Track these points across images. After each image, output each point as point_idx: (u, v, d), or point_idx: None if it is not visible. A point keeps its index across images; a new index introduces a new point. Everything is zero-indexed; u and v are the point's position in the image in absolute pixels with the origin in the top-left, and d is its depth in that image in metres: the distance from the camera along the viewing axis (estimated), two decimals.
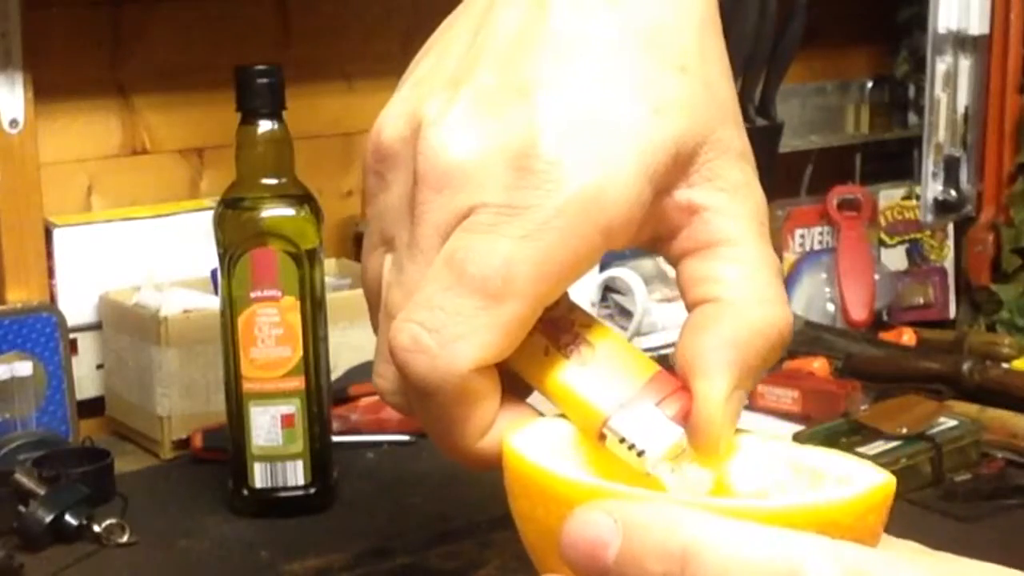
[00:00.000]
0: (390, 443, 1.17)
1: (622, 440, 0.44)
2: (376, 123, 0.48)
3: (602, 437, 0.45)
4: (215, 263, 1.01)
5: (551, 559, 0.41)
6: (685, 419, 0.45)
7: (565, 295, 0.48)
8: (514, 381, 0.47)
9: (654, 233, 0.48)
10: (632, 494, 0.40)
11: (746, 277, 0.46)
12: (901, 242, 1.59)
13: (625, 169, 0.44)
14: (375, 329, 0.49)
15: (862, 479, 0.42)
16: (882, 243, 1.58)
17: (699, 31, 0.47)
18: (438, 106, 0.46)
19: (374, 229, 0.49)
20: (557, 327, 0.47)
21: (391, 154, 0.47)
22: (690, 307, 0.47)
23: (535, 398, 0.49)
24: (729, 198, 0.47)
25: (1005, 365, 1.25)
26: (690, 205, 0.47)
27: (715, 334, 0.45)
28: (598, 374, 0.46)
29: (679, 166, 0.46)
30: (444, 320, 0.44)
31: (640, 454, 0.44)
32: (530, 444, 0.44)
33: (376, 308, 0.49)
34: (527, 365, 0.47)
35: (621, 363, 0.46)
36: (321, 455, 1.02)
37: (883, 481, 0.41)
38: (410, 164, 0.46)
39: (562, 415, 0.47)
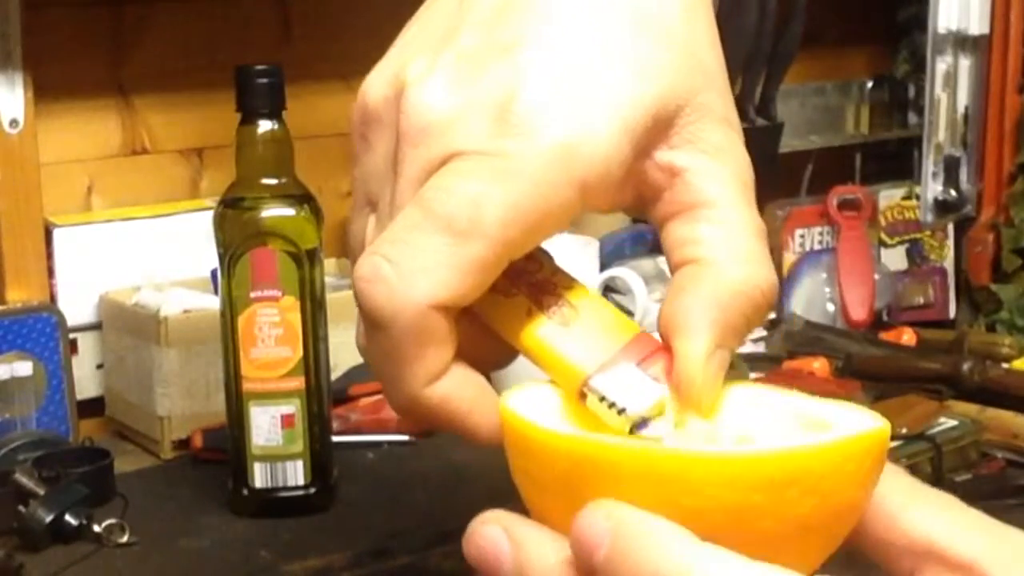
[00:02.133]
0: (390, 443, 1.17)
1: (602, 398, 0.44)
2: (361, 87, 0.49)
3: (582, 396, 0.45)
4: (215, 263, 1.01)
5: (550, 515, 0.42)
6: (667, 379, 0.45)
7: (549, 258, 0.48)
8: (496, 345, 0.48)
9: (638, 195, 0.48)
10: (610, 443, 0.40)
11: (727, 238, 0.46)
12: (901, 242, 1.59)
13: (604, 125, 0.45)
14: None
15: (849, 425, 0.42)
16: (882, 243, 1.58)
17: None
18: (421, 67, 0.47)
19: (359, 191, 0.50)
20: (540, 289, 0.47)
21: (375, 116, 0.48)
22: (674, 270, 0.47)
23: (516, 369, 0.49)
24: (710, 160, 0.47)
25: (1005, 365, 1.25)
26: (671, 167, 0.47)
27: (695, 294, 0.46)
28: (580, 335, 0.46)
29: (659, 127, 0.46)
30: (407, 253, 0.44)
31: (620, 412, 0.44)
32: (526, 402, 0.44)
33: None
34: (509, 326, 0.47)
35: (603, 324, 0.46)
36: (321, 455, 1.02)
37: (867, 429, 0.41)
38: (393, 125, 0.47)
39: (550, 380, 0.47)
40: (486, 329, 0.47)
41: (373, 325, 0.45)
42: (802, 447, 0.40)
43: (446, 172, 0.45)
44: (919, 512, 0.43)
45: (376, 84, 0.48)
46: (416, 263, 0.44)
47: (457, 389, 0.46)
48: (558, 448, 0.41)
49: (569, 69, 0.45)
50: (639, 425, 0.44)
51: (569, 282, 0.48)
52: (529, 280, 0.47)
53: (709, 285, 0.46)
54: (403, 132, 0.46)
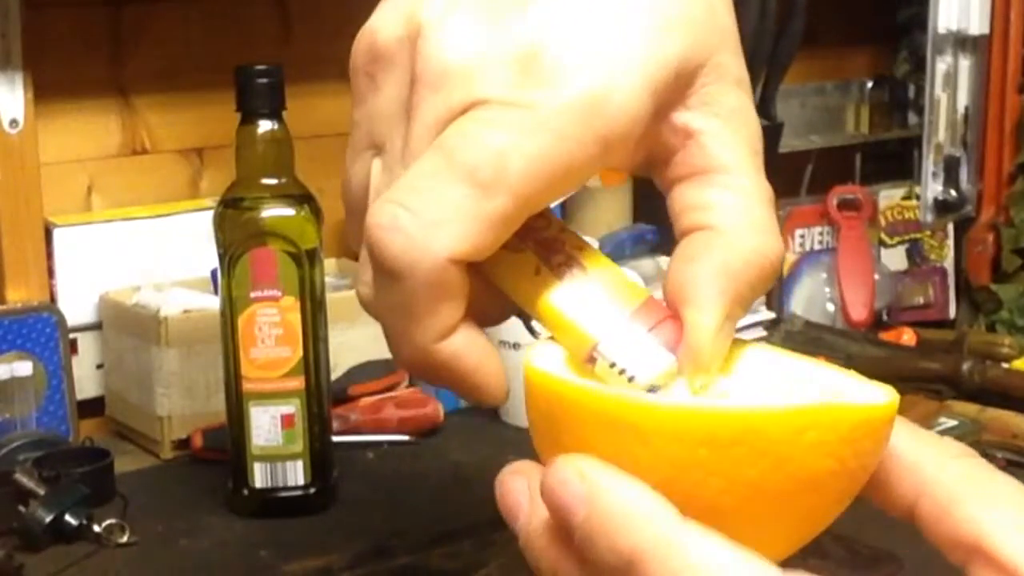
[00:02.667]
0: (390, 443, 1.17)
1: (612, 364, 0.44)
2: (368, 24, 0.47)
3: (591, 360, 0.44)
4: (215, 263, 1.01)
5: (544, 460, 0.41)
6: (674, 347, 0.44)
7: (556, 216, 0.47)
8: (496, 300, 0.47)
9: (649, 155, 0.47)
10: (575, 384, 0.41)
11: (738, 205, 0.46)
12: (901, 242, 1.59)
13: (629, 80, 0.44)
14: (355, 238, 0.48)
15: (853, 396, 0.41)
16: (882, 243, 1.58)
17: None
18: (439, 7, 0.45)
19: (362, 132, 0.48)
20: (549, 247, 0.46)
21: (387, 55, 0.46)
22: (681, 235, 0.46)
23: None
24: (724, 124, 0.46)
25: (1005, 365, 1.25)
26: (686, 129, 0.46)
27: (706, 263, 0.45)
28: (589, 297, 0.45)
29: (679, 86, 0.45)
30: (427, 203, 0.43)
31: (630, 379, 0.43)
32: (546, 354, 0.44)
33: (359, 216, 0.46)
34: (517, 283, 0.46)
35: (612, 288, 0.45)
36: (321, 455, 1.02)
37: (841, 402, 0.40)
38: (407, 66, 0.45)
39: (551, 337, 0.46)
40: (487, 283, 0.46)
41: (388, 275, 0.43)
42: (753, 408, 0.39)
43: (469, 120, 0.43)
44: (971, 506, 0.42)
45: (387, 22, 0.46)
46: (437, 214, 0.42)
47: (466, 347, 0.45)
48: (539, 386, 0.41)
49: (593, 20, 0.44)
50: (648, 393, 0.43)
51: (577, 241, 0.47)
52: (536, 237, 0.46)
53: (720, 254, 0.45)
54: (420, 74, 0.44)
